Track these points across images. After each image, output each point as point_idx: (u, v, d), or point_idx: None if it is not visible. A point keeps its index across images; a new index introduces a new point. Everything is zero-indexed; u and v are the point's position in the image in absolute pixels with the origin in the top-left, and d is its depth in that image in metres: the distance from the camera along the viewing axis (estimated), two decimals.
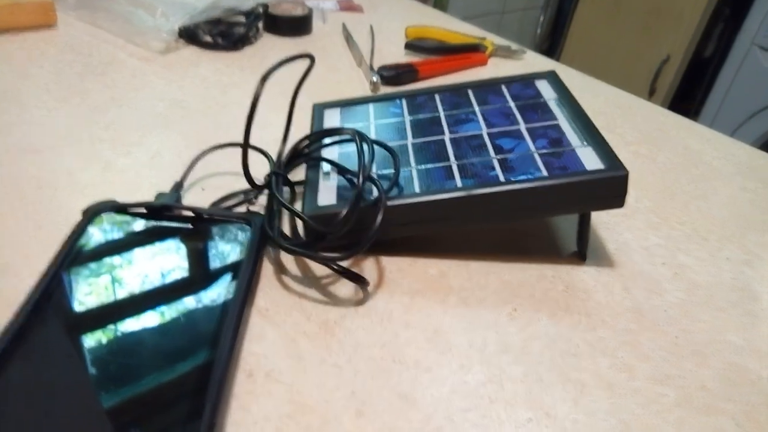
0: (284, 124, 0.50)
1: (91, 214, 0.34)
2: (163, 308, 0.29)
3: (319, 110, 0.46)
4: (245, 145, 0.36)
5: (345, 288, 0.34)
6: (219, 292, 0.30)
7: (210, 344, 0.27)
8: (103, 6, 0.63)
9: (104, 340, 0.27)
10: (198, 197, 0.40)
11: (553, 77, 0.46)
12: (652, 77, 1.90)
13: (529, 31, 2.18)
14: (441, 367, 0.30)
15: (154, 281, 0.30)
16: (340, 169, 0.39)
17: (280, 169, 0.40)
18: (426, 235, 0.39)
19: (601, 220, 0.43)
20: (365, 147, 0.37)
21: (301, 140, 0.42)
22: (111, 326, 0.28)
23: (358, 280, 0.34)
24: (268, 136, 0.48)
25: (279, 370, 0.29)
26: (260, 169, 0.41)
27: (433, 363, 0.30)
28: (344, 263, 0.36)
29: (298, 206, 0.40)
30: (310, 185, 0.38)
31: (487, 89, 0.46)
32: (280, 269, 0.35)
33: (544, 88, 0.45)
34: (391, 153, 0.38)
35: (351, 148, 0.41)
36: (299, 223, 0.39)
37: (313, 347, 0.30)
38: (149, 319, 0.28)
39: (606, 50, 2.02)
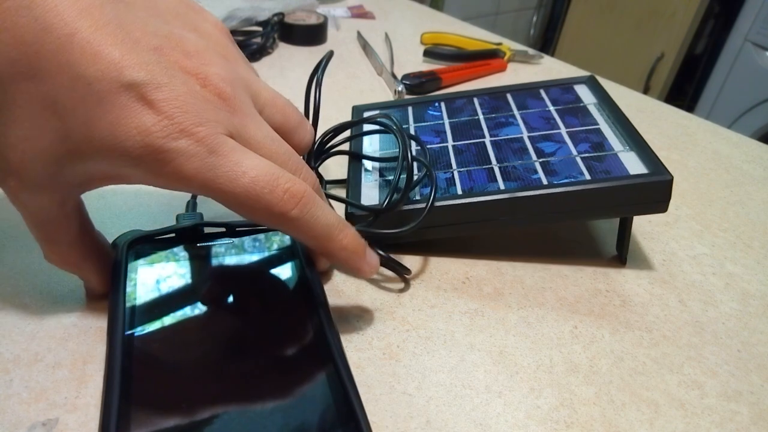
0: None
1: (125, 248, 0.31)
2: (260, 338, 0.28)
3: (358, 112, 0.46)
4: None
5: (399, 305, 0.33)
6: (304, 304, 0.30)
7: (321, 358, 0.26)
8: None
9: (210, 384, 0.25)
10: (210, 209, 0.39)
11: (592, 82, 0.45)
12: (647, 75, 1.91)
13: (522, 31, 2.19)
14: (512, 391, 0.29)
15: (235, 308, 0.29)
16: (373, 160, 0.39)
17: (310, 164, 0.39)
18: (477, 250, 0.38)
19: (645, 230, 0.43)
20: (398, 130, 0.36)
21: (325, 133, 0.41)
22: (212, 364, 0.26)
23: (402, 269, 0.34)
24: None
25: None
26: None
27: (504, 387, 0.29)
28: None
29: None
30: (353, 186, 0.38)
31: (526, 93, 0.46)
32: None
33: (584, 92, 0.45)
34: (417, 141, 0.39)
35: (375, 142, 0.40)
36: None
37: (380, 375, 0.29)
38: (249, 350, 0.27)
39: (600, 49, 2.03)
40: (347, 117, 0.51)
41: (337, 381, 0.25)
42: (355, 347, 0.31)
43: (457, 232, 0.36)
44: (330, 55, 0.39)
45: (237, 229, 0.34)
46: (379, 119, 0.39)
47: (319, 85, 0.38)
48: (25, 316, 0.30)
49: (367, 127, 0.43)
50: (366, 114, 0.46)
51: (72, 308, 0.31)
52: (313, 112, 0.37)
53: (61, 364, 0.28)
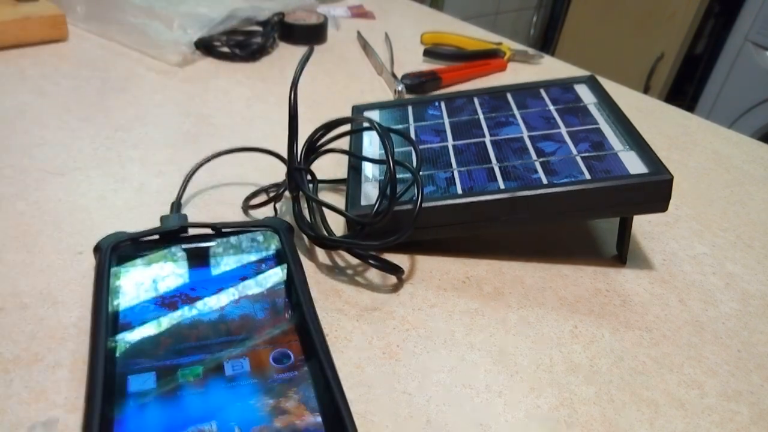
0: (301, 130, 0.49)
1: (109, 251, 0.31)
2: (239, 337, 0.28)
3: (358, 112, 0.46)
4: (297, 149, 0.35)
5: (399, 305, 0.33)
6: (290, 303, 0.30)
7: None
8: (115, 18, 0.61)
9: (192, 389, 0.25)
10: (201, 211, 0.39)
11: (592, 81, 0.45)
12: (647, 75, 1.91)
13: (522, 31, 2.19)
14: (512, 391, 0.29)
15: (217, 310, 0.29)
16: (366, 160, 0.39)
17: (301, 164, 0.38)
18: (477, 250, 0.38)
19: (645, 230, 0.43)
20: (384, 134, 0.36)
21: (315, 132, 0.40)
22: (193, 369, 0.26)
23: (394, 270, 0.34)
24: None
25: (349, 399, 0.28)
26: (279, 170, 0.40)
27: (504, 386, 0.29)
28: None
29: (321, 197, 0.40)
30: (352, 186, 0.38)
31: (526, 93, 0.46)
32: (319, 279, 0.34)
33: (584, 92, 0.45)
34: (406, 137, 0.39)
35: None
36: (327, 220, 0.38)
37: (380, 374, 0.29)
38: (230, 351, 0.27)
39: (600, 49, 2.02)
40: None
41: (323, 380, 0.25)
42: (355, 347, 0.31)
43: (457, 231, 0.36)
44: (310, 51, 0.37)
45: (223, 229, 0.34)
46: (365, 124, 0.38)
47: (294, 85, 0.36)
48: (25, 316, 0.30)
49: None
50: (366, 114, 0.46)
51: (72, 308, 0.31)
52: (290, 115, 0.36)
53: (61, 364, 0.28)
